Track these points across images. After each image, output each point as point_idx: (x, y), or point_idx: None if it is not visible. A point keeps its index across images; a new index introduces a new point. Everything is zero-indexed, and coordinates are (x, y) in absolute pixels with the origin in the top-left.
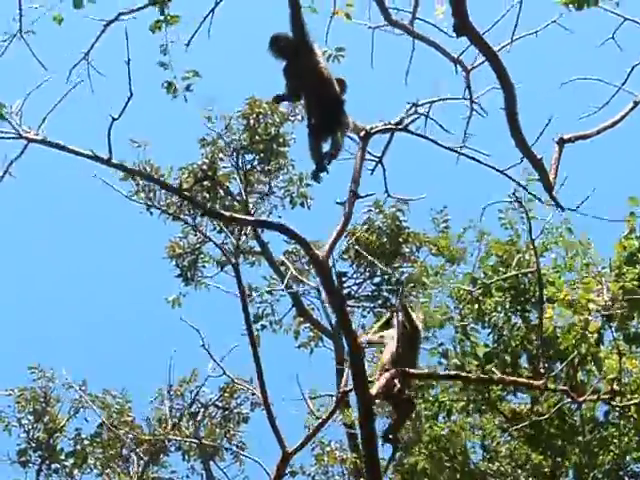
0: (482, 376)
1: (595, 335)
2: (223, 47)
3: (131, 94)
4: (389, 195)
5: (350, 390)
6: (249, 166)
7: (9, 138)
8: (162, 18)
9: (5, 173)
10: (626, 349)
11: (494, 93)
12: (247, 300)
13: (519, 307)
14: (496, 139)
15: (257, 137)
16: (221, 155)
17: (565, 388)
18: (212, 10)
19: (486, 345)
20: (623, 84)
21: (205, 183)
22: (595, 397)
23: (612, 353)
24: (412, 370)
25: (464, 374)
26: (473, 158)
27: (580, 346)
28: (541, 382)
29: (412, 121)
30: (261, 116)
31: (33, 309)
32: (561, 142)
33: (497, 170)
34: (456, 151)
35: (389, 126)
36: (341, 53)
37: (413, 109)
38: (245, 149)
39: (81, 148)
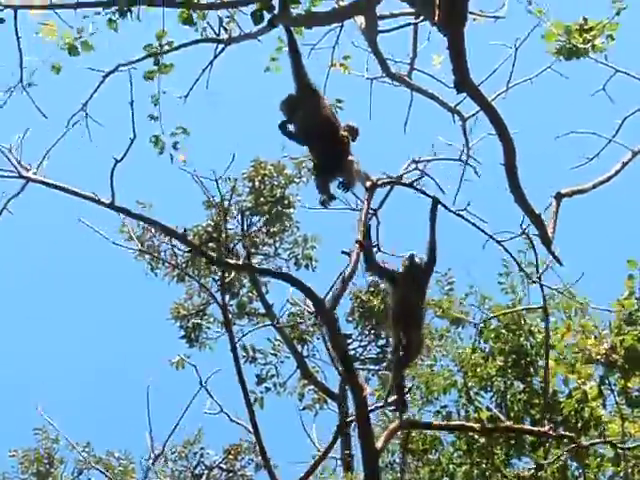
0: (488, 426)
1: (598, 400)
2: (226, 108)
3: (134, 136)
4: (379, 250)
5: (352, 421)
6: (254, 228)
7: (9, 177)
8: (155, 68)
9: (2, 210)
10: (629, 413)
11: (492, 144)
12: (241, 367)
13: (521, 371)
14: (496, 190)
15: (262, 199)
16: (226, 217)
17: (572, 435)
18: (211, 63)
19: (489, 409)
20: (614, 136)
21: (210, 244)
22: (602, 440)
23: (615, 417)
24: (424, 422)
25: (469, 424)
26: (473, 224)
27: (583, 411)
28: (548, 428)
29: (418, 178)
30: (266, 178)
31: (37, 370)
32: (558, 197)
33: (496, 241)
34: (457, 214)
35: (396, 180)
36: (340, 105)
37: (415, 165)
38: (250, 211)
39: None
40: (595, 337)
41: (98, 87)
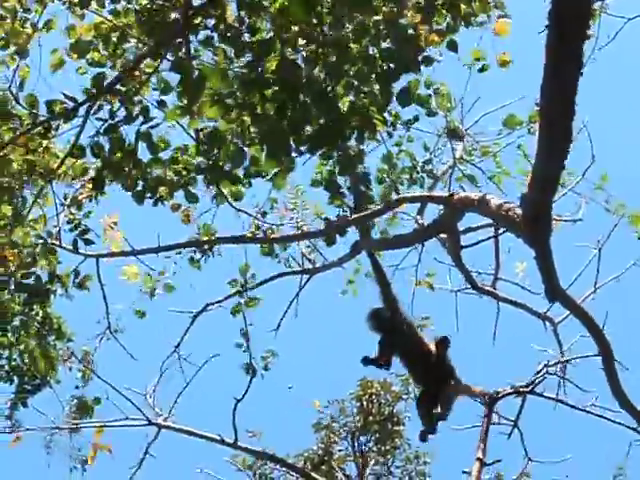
0: None
1: None
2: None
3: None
4: (530, 459)
5: None
6: (365, 448)
7: (140, 425)
8: (242, 302)
9: (143, 459)
10: None
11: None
12: None
13: None
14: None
15: (371, 418)
16: (336, 438)
17: None
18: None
19: None
20: None
21: (322, 467)
22: None
23: None
24: None
25: None
26: (602, 416)
27: None
28: None
29: (539, 382)
30: (374, 396)
31: None
32: None
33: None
34: (586, 410)
35: (514, 390)
36: (426, 322)
37: (544, 370)
38: (360, 431)
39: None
40: None
41: (189, 328)
